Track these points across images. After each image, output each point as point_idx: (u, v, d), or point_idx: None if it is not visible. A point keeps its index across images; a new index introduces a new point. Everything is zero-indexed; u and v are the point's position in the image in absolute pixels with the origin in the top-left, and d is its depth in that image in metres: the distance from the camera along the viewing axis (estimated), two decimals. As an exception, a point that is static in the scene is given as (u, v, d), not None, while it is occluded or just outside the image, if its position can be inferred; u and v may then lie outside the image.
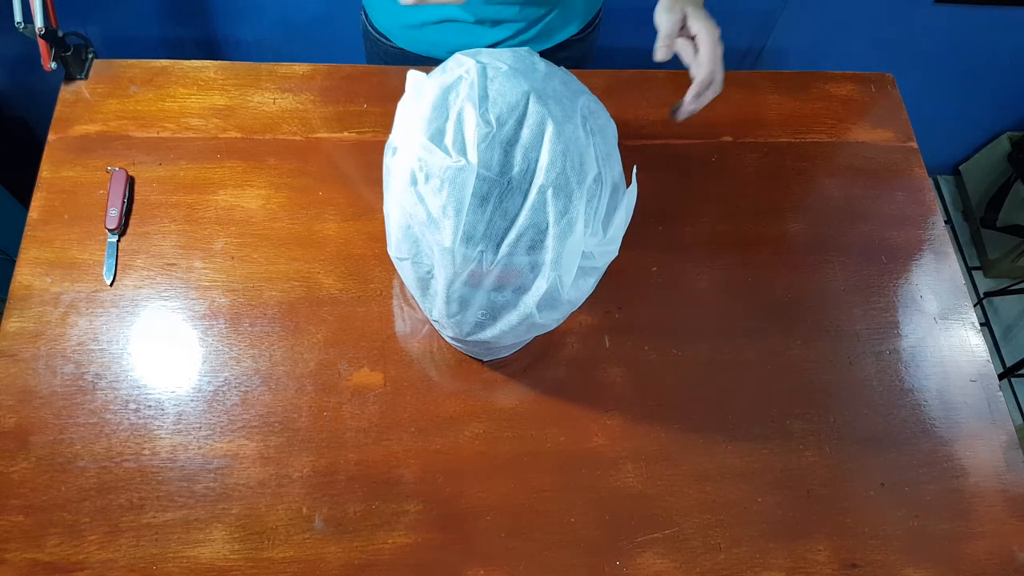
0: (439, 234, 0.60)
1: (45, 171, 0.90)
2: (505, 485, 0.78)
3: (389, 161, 0.65)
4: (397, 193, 0.62)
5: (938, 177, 2.32)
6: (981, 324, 1.85)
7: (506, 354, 0.84)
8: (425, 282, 0.67)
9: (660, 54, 0.74)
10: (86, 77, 0.96)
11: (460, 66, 0.61)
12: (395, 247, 0.67)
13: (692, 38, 0.74)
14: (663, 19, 0.73)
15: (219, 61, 0.99)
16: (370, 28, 1.06)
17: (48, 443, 0.76)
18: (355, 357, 0.83)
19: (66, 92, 0.95)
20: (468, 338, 0.71)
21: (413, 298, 0.86)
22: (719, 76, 0.75)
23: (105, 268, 0.85)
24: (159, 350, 0.81)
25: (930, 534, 0.80)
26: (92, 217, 0.87)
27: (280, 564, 0.73)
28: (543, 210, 0.59)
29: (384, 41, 1.05)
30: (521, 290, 0.64)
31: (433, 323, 0.76)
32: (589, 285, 0.65)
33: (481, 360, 0.84)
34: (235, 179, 0.91)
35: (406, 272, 0.68)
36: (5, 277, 0.85)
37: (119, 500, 0.74)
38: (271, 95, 0.98)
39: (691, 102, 0.76)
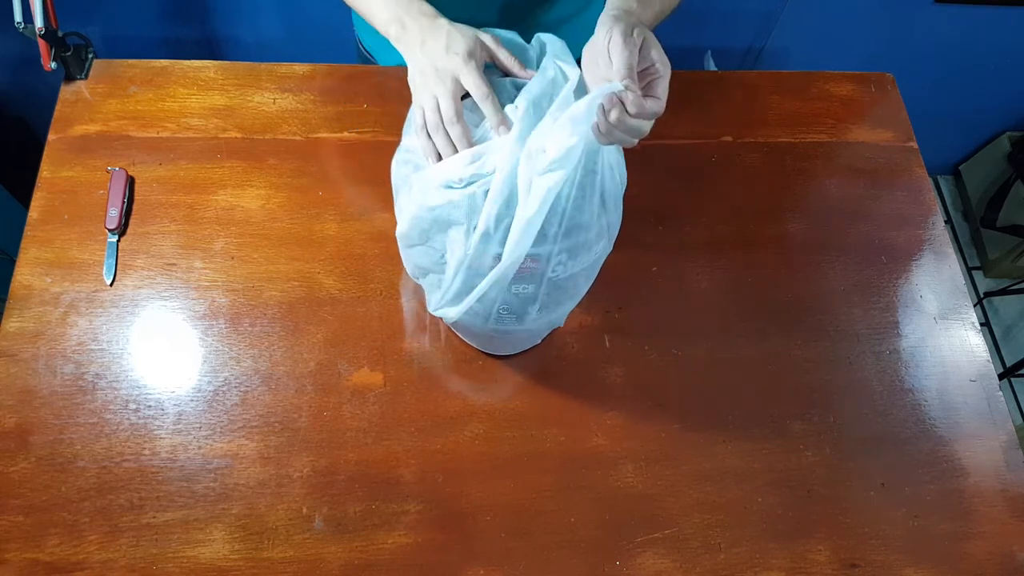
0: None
1: (45, 171, 0.90)
2: (505, 485, 0.78)
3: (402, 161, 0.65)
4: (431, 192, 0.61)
5: (938, 177, 2.32)
6: (981, 324, 1.85)
7: (526, 347, 0.84)
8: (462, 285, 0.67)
9: (634, 87, 0.55)
10: (86, 77, 0.96)
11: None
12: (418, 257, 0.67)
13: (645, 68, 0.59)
14: (621, 48, 0.56)
15: (219, 61, 0.99)
16: (361, 48, 1.07)
17: (48, 443, 0.76)
18: (355, 357, 0.83)
19: (66, 92, 0.95)
20: (491, 328, 0.71)
21: (414, 298, 0.86)
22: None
23: (105, 268, 0.85)
24: (159, 350, 0.81)
25: (930, 534, 0.80)
26: (92, 217, 0.87)
27: (280, 564, 0.73)
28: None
29: (373, 60, 1.06)
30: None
31: (439, 315, 0.76)
32: (553, 181, 0.56)
33: (492, 355, 0.84)
34: (235, 179, 0.91)
35: (430, 283, 0.68)
36: (5, 277, 0.85)
37: (119, 500, 0.74)
38: (271, 95, 0.98)
39: (617, 126, 0.58)
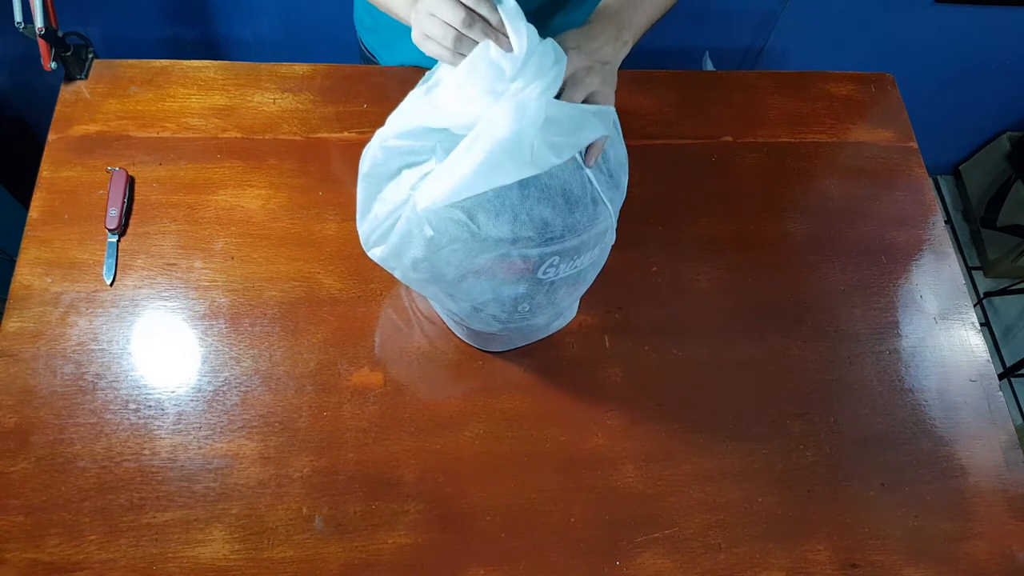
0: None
1: (45, 171, 0.90)
2: (505, 485, 0.78)
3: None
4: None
5: (938, 177, 2.32)
6: (981, 324, 1.85)
7: (518, 344, 0.84)
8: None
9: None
10: (86, 77, 0.96)
11: None
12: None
13: None
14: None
15: (219, 61, 0.99)
16: (363, 48, 1.08)
17: (48, 443, 0.76)
18: (355, 357, 0.83)
19: (66, 92, 0.95)
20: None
21: (417, 298, 0.86)
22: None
23: (105, 268, 0.85)
24: (159, 350, 0.81)
25: (930, 534, 0.80)
26: (92, 217, 0.87)
27: (280, 564, 0.72)
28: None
29: (374, 60, 1.06)
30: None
31: (448, 316, 0.75)
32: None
33: (492, 354, 0.84)
34: (235, 179, 0.91)
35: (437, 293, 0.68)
36: (5, 277, 0.85)
37: (119, 500, 0.74)
38: (271, 95, 0.98)
39: None
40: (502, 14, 0.55)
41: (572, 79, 0.60)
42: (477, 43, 0.56)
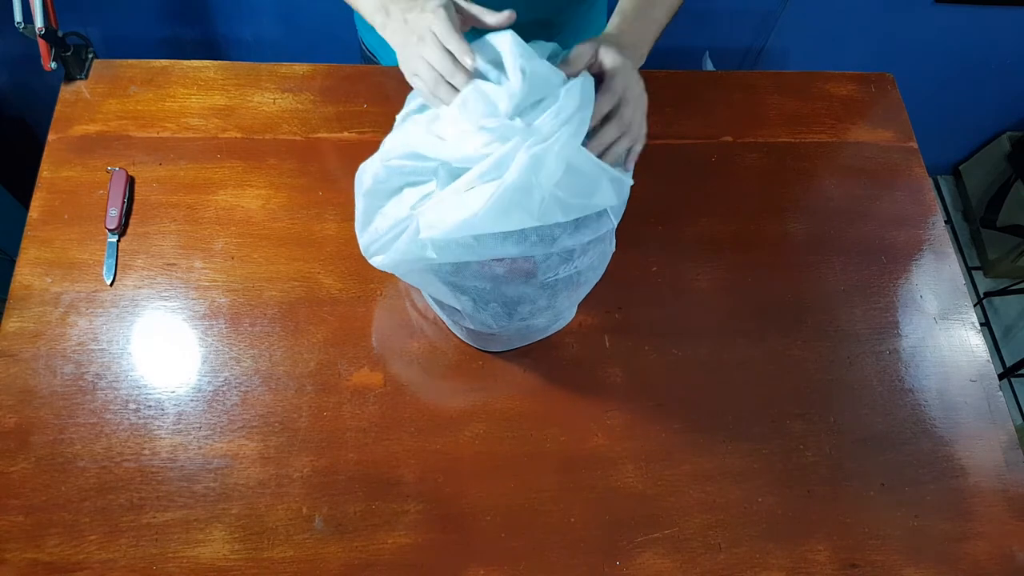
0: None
1: (45, 171, 0.90)
2: (505, 485, 0.78)
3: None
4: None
5: (938, 177, 2.32)
6: (981, 324, 1.85)
7: (517, 344, 0.84)
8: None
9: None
10: (86, 77, 0.96)
11: None
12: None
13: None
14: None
15: (219, 61, 0.99)
16: (364, 48, 1.08)
17: (48, 443, 0.76)
18: (355, 357, 0.83)
19: (66, 92, 0.95)
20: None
21: (417, 299, 0.86)
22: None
23: (105, 268, 0.85)
24: (159, 350, 0.81)
25: (930, 534, 0.80)
26: (92, 217, 0.87)
27: (280, 564, 0.72)
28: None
29: (375, 60, 1.06)
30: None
31: (448, 316, 0.75)
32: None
33: (492, 354, 0.84)
34: (235, 179, 0.91)
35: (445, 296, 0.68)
36: (5, 277, 0.85)
37: (119, 500, 0.74)
38: (271, 95, 0.98)
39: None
40: (503, 54, 0.57)
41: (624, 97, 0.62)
42: (458, 91, 0.59)
